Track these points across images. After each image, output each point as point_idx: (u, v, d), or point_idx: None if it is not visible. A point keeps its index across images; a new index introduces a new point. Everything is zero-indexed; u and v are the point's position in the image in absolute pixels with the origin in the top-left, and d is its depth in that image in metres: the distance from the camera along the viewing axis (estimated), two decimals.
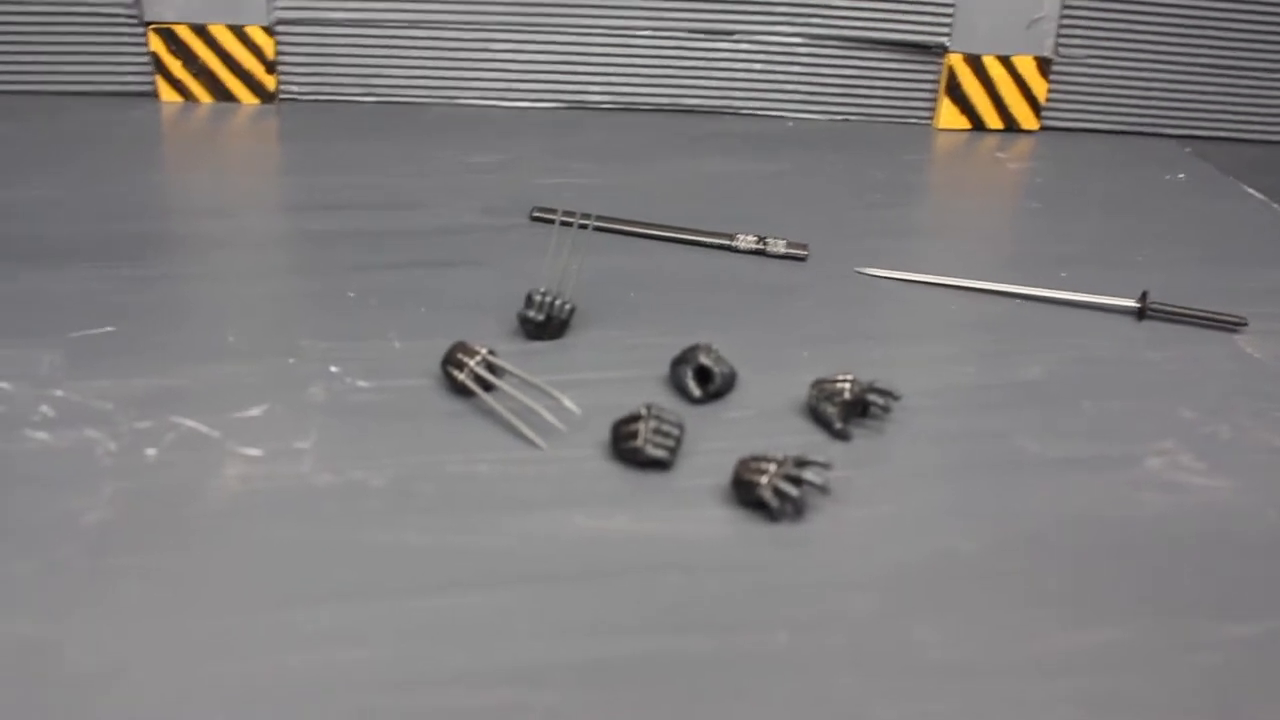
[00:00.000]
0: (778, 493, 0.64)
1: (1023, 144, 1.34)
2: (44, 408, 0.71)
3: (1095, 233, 1.10)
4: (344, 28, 1.25)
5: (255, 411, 0.72)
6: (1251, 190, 1.24)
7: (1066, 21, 1.32)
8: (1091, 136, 1.38)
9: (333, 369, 0.77)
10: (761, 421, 0.75)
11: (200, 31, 1.21)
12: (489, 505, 0.66)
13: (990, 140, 1.34)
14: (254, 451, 0.69)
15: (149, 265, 0.90)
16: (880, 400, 0.73)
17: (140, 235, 0.95)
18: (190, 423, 0.71)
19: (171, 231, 0.96)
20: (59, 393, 0.73)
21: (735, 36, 1.30)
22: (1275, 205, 1.20)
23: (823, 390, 0.74)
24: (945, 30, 1.30)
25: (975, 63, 1.31)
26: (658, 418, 0.69)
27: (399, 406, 0.74)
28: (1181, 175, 1.28)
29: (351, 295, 0.87)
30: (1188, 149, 1.36)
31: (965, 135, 1.35)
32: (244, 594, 0.58)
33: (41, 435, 0.69)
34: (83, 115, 1.19)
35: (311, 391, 0.75)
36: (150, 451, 0.68)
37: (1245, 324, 0.92)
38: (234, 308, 0.84)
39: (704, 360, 0.75)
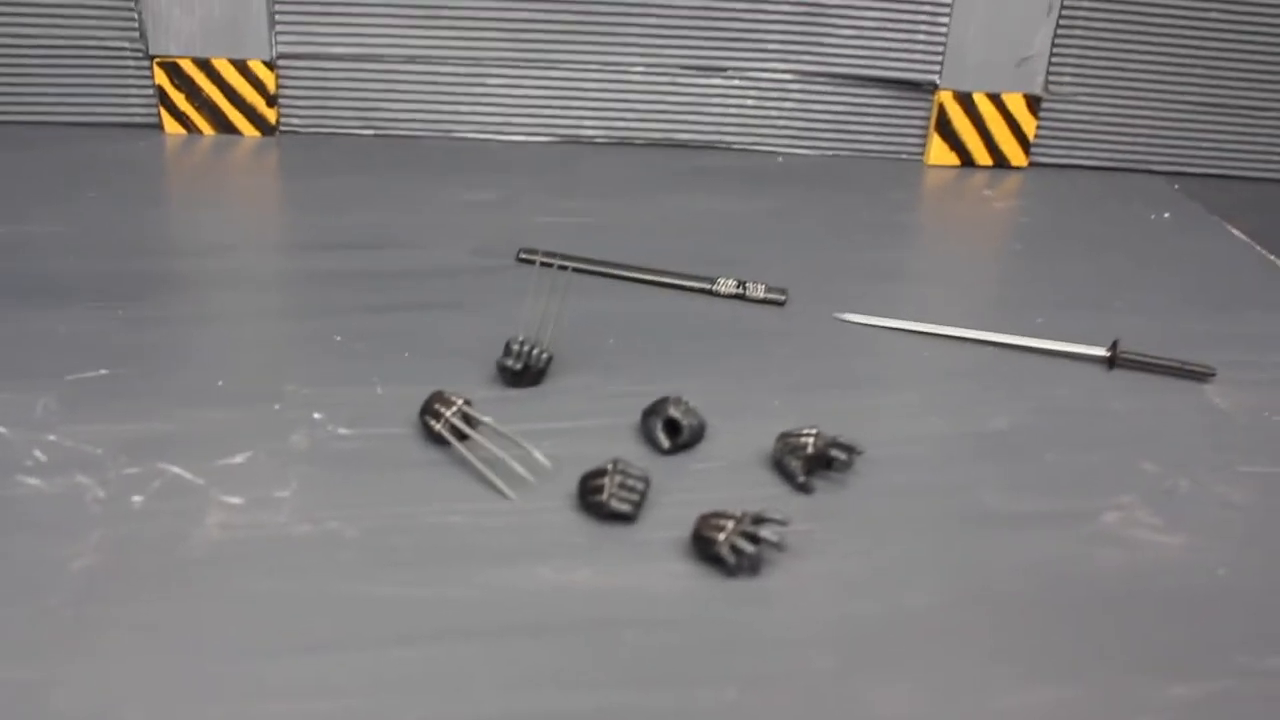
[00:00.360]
0: (734, 549, 0.67)
1: (1011, 181, 1.36)
2: (37, 452, 0.74)
3: (1076, 275, 1.12)
4: (343, 62, 1.28)
5: (239, 459, 0.75)
6: (1236, 231, 1.26)
7: (1056, 59, 1.33)
8: (1081, 173, 1.39)
9: (316, 415, 0.80)
10: (728, 473, 0.77)
11: (204, 65, 1.24)
12: (460, 557, 0.68)
13: (979, 177, 1.36)
14: (235, 500, 0.71)
15: (145, 306, 0.93)
16: (842, 455, 0.75)
17: (139, 274, 0.98)
18: (176, 469, 0.74)
19: (169, 270, 0.99)
20: (52, 437, 0.76)
21: (727, 73, 1.32)
22: (1258, 248, 1.22)
23: (787, 444, 0.76)
24: (935, 68, 1.32)
25: (965, 100, 1.33)
26: (623, 472, 0.71)
27: (378, 455, 0.77)
28: (1167, 214, 1.29)
29: (338, 339, 0.90)
30: (1176, 186, 1.38)
31: (955, 172, 1.36)
32: (220, 644, 0.61)
33: (33, 481, 0.72)
34: (89, 147, 1.23)
35: (294, 439, 0.77)
36: (137, 499, 0.71)
37: (1214, 374, 0.94)
38: (225, 351, 0.87)
39: (673, 413, 0.78)
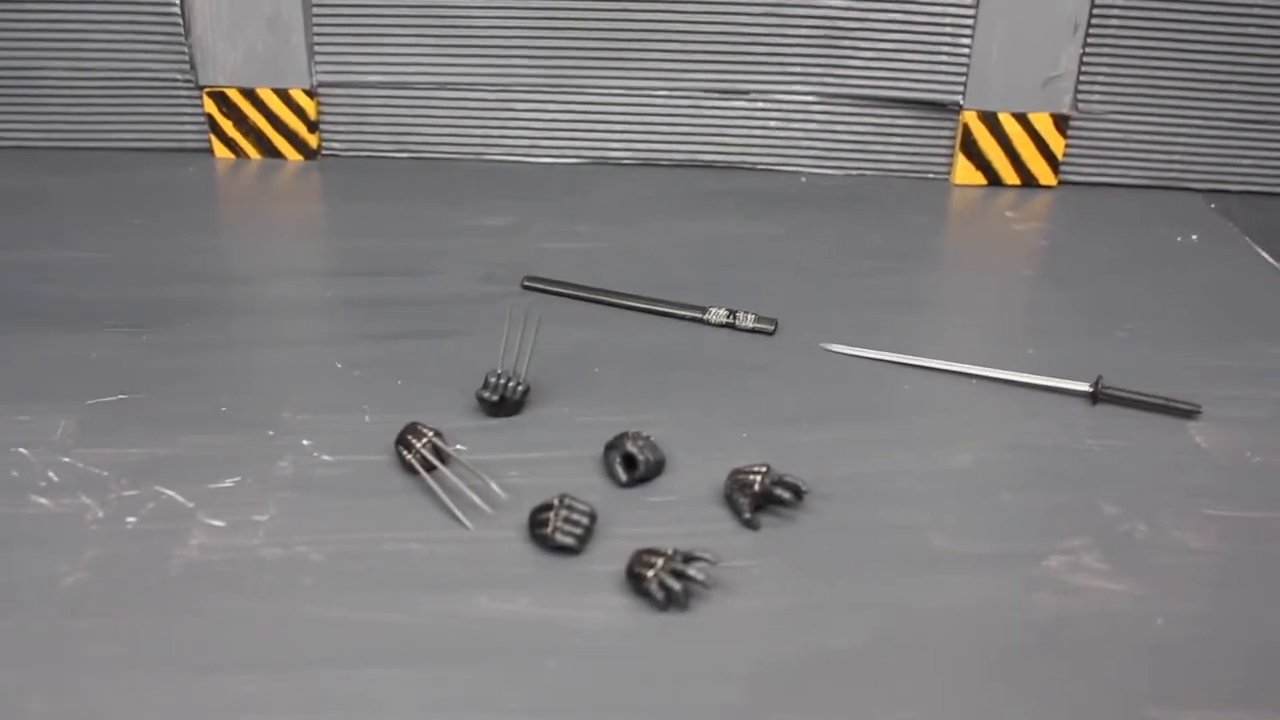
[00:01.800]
0: (663, 586, 0.70)
1: (1039, 201, 1.35)
2: (51, 473, 0.82)
3: (1084, 303, 1.11)
4: (379, 90, 1.34)
5: (229, 483, 0.82)
6: (1265, 254, 1.23)
7: (1085, 77, 1.32)
8: (1113, 191, 1.37)
9: (305, 442, 0.86)
10: (681, 508, 0.81)
11: (249, 94, 1.32)
12: (410, 583, 0.73)
13: (1006, 197, 1.35)
14: (218, 523, 0.78)
15: (167, 332, 1.00)
16: (785, 494, 0.78)
17: (167, 300, 1.05)
18: (170, 492, 0.81)
19: (196, 297, 1.06)
20: (66, 459, 0.84)
21: (750, 95, 1.34)
22: None
23: (736, 480, 0.79)
24: (959, 88, 1.32)
25: (990, 119, 1.33)
26: (569, 506, 0.75)
27: (355, 483, 0.82)
28: (1195, 236, 1.27)
29: (339, 366, 0.96)
30: (1213, 205, 1.35)
31: (981, 191, 1.36)
32: (176, 659, 0.67)
33: (43, 500, 0.79)
34: (143, 172, 1.32)
35: (281, 465, 0.84)
36: (131, 520, 0.78)
37: (1199, 411, 0.93)
38: (233, 377, 0.94)
39: (630, 448, 0.81)
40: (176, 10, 1.28)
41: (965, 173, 1.36)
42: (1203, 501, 0.84)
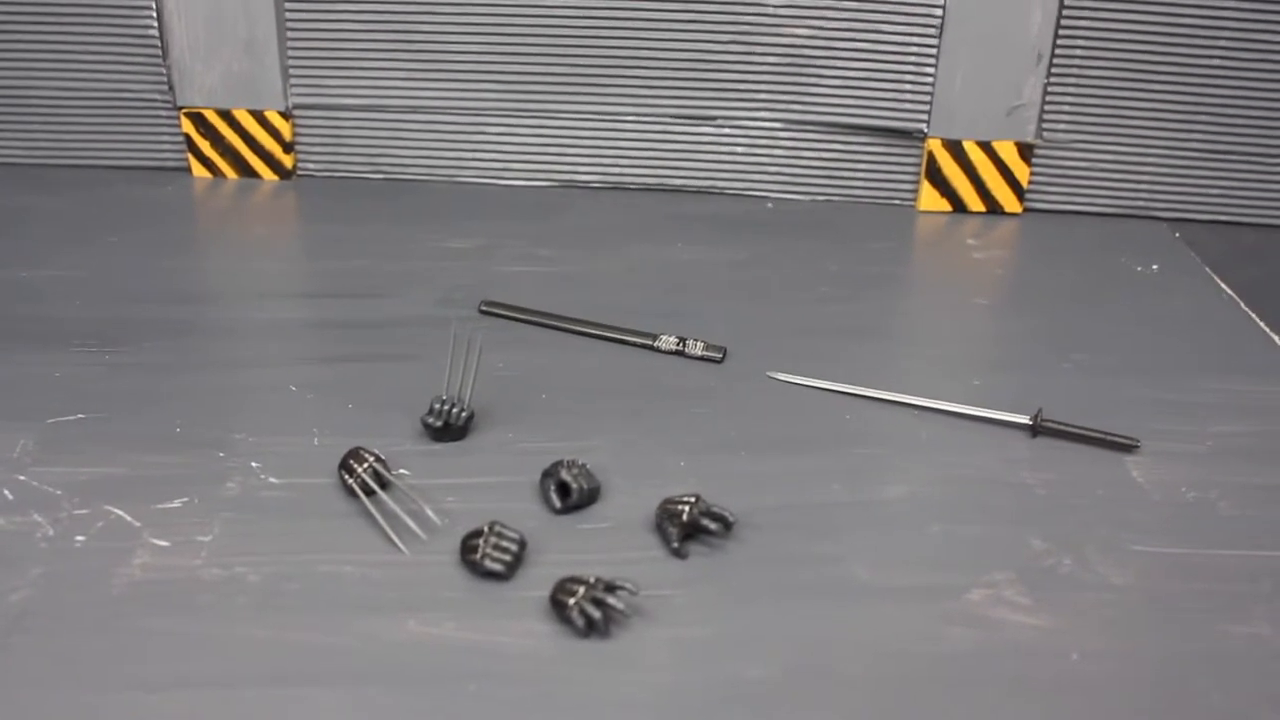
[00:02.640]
0: (583, 613, 0.72)
1: (1003, 229, 1.36)
2: (6, 490, 0.85)
3: (1037, 332, 1.13)
4: (353, 112, 1.37)
5: (177, 503, 0.84)
6: (1224, 286, 1.24)
7: (1050, 106, 1.33)
8: (1079, 219, 1.39)
9: (254, 464, 0.88)
10: (612, 535, 0.83)
11: (225, 115, 1.35)
12: (343, 605, 0.75)
13: (971, 224, 1.37)
14: (163, 543, 0.80)
15: (131, 352, 1.03)
16: (713, 525, 0.80)
17: (134, 320, 1.08)
18: (119, 511, 0.83)
19: (162, 317, 1.09)
20: (22, 477, 0.86)
21: (718, 121, 1.36)
22: (1242, 305, 1.20)
23: (666, 509, 0.81)
24: (923, 116, 1.34)
25: (955, 147, 1.35)
26: (498, 534, 0.77)
27: (298, 506, 0.85)
28: (1156, 266, 1.28)
29: (293, 389, 0.98)
30: (1177, 234, 1.36)
31: (945, 218, 1.38)
32: (108, 675, 0.69)
33: None
34: (121, 190, 1.35)
35: (229, 486, 0.86)
36: (80, 538, 0.80)
37: (1137, 446, 0.95)
38: (190, 398, 0.97)
39: (564, 475, 0.83)
40: (155, 32, 1.31)
41: (930, 200, 1.37)
42: (1131, 537, 0.85)
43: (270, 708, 0.68)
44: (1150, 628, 0.77)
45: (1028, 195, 1.38)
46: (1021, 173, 1.36)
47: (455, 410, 0.90)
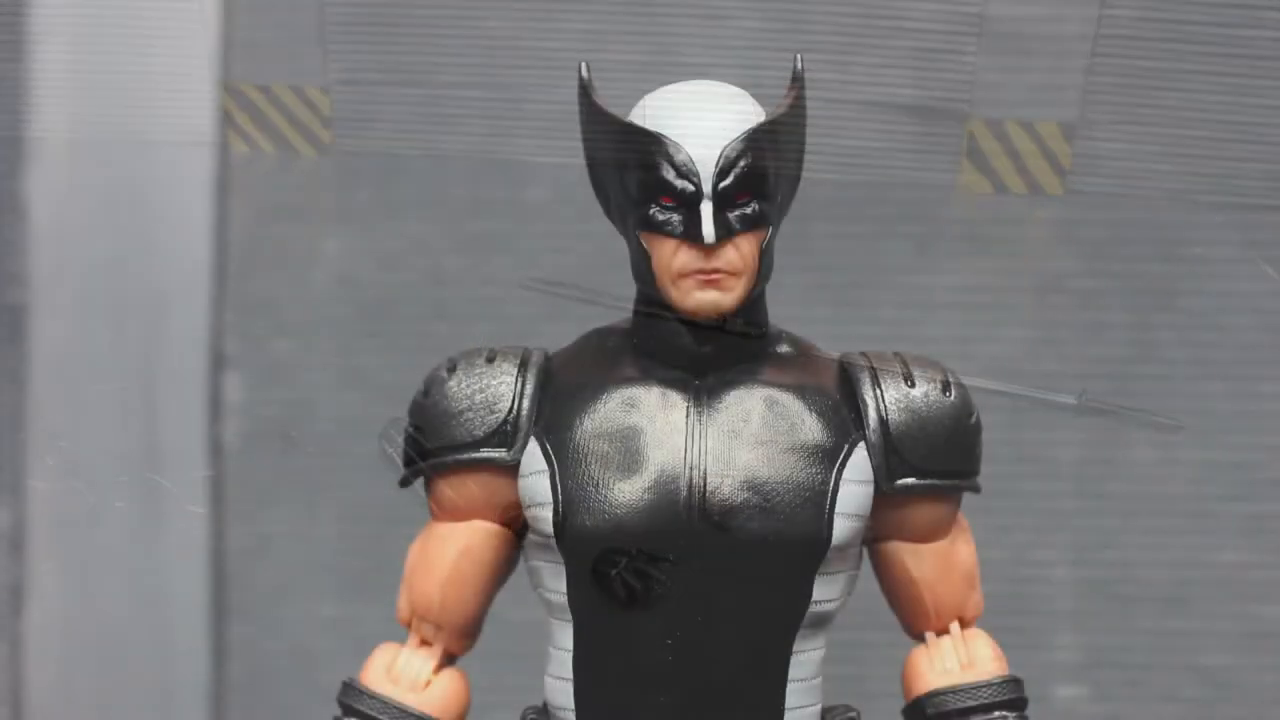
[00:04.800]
0: (624, 584, 0.72)
1: (1044, 210, 1.35)
2: None
3: (1074, 316, 1.12)
4: (393, 87, 1.36)
5: None
6: (1269, 269, 1.22)
7: (1092, 88, 1.31)
8: (1118, 201, 1.37)
9: None
10: None
11: (265, 91, 1.35)
12: None
13: (1011, 205, 1.35)
14: None
15: None
16: None
17: None
18: None
19: None
20: None
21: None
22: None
23: None
24: (965, 96, 1.32)
25: (997, 127, 1.33)
26: None
27: None
28: (1198, 250, 1.27)
29: None
30: (1219, 218, 1.34)
31: (985, 199, 1.36)
32: None
33: None
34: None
35: None
36: None
37: (1182, 427, 0.94)
38: None
39: None
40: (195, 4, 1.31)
41: (970, 180, 1.36)
42: None
43: None
44: None
45: (1069, 177, 1.36)
46: (1063, 153, 1.34)
47: None
